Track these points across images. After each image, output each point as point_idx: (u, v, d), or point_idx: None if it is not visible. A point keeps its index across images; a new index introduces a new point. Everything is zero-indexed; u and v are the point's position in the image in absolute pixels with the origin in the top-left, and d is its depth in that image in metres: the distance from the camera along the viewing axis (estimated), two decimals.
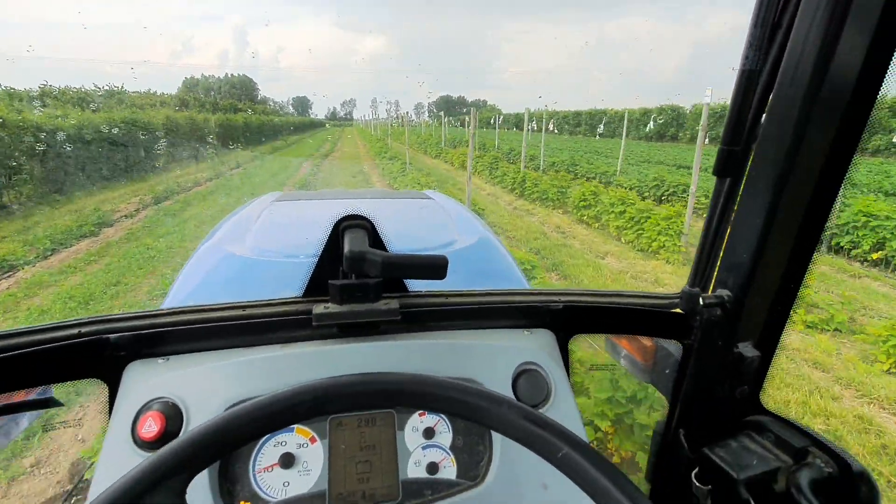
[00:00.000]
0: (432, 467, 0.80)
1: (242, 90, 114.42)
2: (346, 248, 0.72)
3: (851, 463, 0.67)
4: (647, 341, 0.95)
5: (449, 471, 0.80)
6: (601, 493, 0.45)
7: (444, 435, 0.82)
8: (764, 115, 0.66)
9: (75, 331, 0.75)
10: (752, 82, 0.64)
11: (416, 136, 33.64)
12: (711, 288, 0.81)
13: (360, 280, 0.79)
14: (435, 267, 0.71)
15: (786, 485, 0.72)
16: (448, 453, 0.81)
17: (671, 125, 39.64)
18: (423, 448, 0.81)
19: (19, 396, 0.74)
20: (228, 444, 0.48)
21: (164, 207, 10.16)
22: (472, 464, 0.81)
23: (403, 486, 0.78)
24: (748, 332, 0.77)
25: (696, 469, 0.82)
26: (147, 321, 0.79)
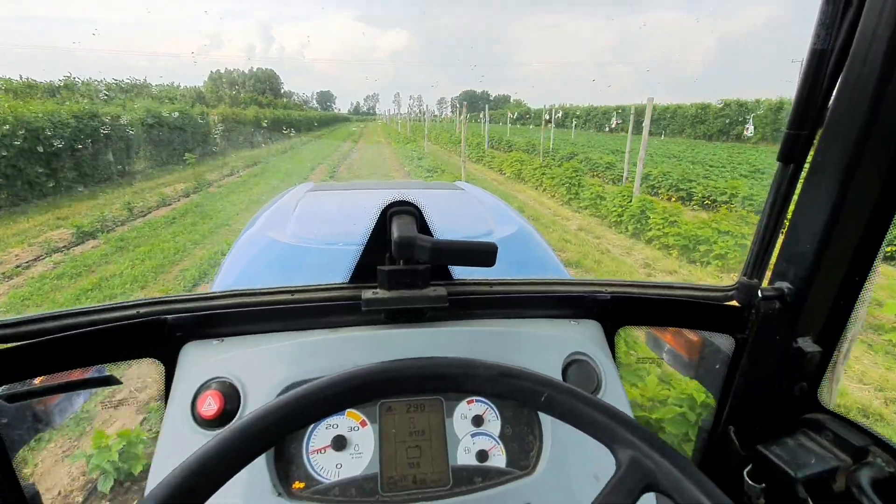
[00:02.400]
0: (482, 455, 0.79)
1: (267, 84, 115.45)
2: (395, 234, 0.72)
3: None
4: (692, 336, 0.92)
5: (498, 459, 0.79)
6: (588, 424, 0.48)
7: (493, 423, 0.81)
8: (832, 98, 0.62)
9: (134, 311, 0.77)
10: (822, 63, 0.60)
11: (447, 135, 32.04)
12: (768, 279, 0.78)
13: (409, 266, 0.79)
14: (485, 253, 0.72)
15: (845, 484, 0.69)
16: (497, 441, 0.80)
17: (736, 122, 36.49)
18: (472, 436, 0.80)
19: (76, 375, 0.75)
20: (295, 423, 0.48)
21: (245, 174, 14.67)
22: (522, 453, 0.80)
23: (453, 472, 0.77)
24: (809, 327, 0.74)
25: (749, 466, 0.80)
26: (202, 303, 0.81)
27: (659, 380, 2.52)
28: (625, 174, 12.58)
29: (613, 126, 43.95)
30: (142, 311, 0.77)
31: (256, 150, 23.65)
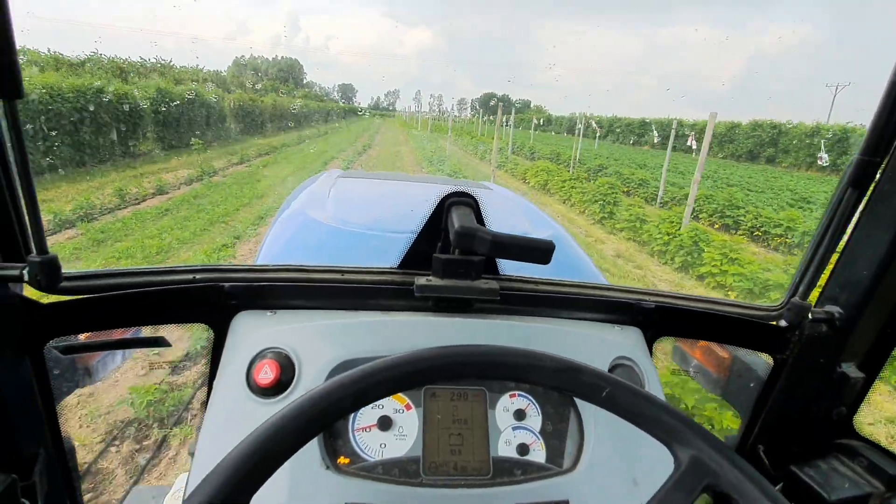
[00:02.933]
0: (522, 448, 0.79)
1: (289, 73, 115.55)
2: (457, 224, 0.72)
3: None
4: (723, 352, 0.92)
5: (538, 454, 0.79)
6: (648, 421, 0.48)
7: (534, 418, 0.81)
8: None
9: (191, 276, 0.78)
10: None
11: (467, 136, 31.11)
12: (815, 301, 0.78)
13: (465, 256, 0.79)
14: (542, 251, 0.72)
15: None
16: (538, 437, 0.81)
17: (768, 145, 35.13)
18: (514, 429, 0.80)
19: (122, 333, 0.78)
20: (356, 403, 0.48)
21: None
22: (562, 450, 0.80)
23: (494, 463, 0.77)
24: (855, 353, 0.74)
25: (780, 486, 0.81)
26: (255, 275, 0.82)
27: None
28: (660, 193, 11.51)
29: (655, 142, 42.28)
30: (199, 276, 0.78)
31: (273, 137, 22.94)
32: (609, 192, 9.91)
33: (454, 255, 0.79)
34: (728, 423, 2.29)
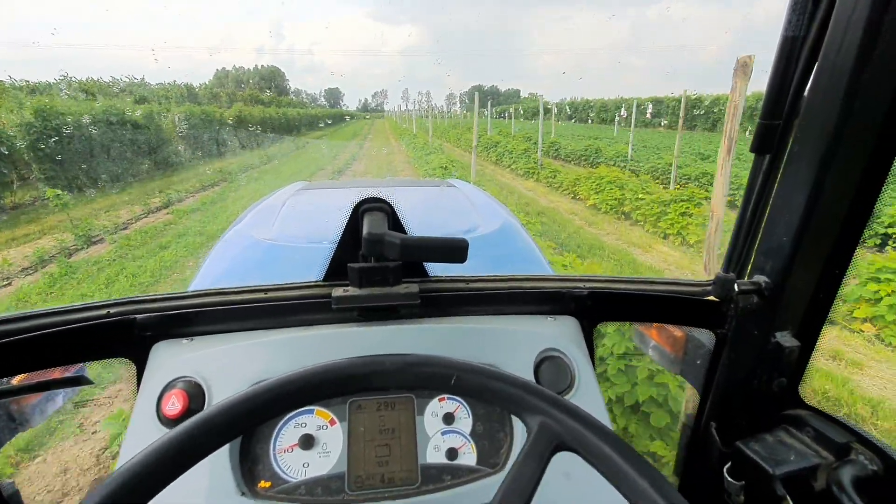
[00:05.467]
0: (452, 453, 0.78)
1: (271, 81, 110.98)
2: (365, 231, 0.72)
3: None
4: (677, 331, 0.91)
5: (468, 457, 0.78)
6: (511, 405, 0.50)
7: (465, 421, 0.80)
8: (808, 87, 0.61)
9: (104, 311, 0.76)
10: (794, 51, 0.59)
11: (470, 134, 26.46)
12: (748, 274, 0.76)
13: (380, 263, 0.78)
14: (455, 249, 0.71)
15: (826, 482, 0.68)
16: (468, 439, 0.79)
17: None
18: (443, 433, 0.79)
19: (51, 375, 0.75)
20: (249, 421, 0.48)
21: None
22: (493, 450, 0.79)
23: (422, 470, 0.76)
24: (787, 321, 0.73)
25: (729, 463, 0.79)
26: (173, 303, 0.80)
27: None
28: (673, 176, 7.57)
29: (649, 118, 39.26)
30: (112, 311, 0.77)
31: (232, 159, 18.54)
32: None
33: (370, 263, 0.78)
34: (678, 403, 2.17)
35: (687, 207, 7.44)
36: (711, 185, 6.77)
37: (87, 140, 11.51)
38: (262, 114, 28.04)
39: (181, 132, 16.83)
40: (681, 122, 10.29)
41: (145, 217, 9.09)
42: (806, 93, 0.61)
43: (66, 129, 10.53)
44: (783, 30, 0.58)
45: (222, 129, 20.57)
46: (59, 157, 10.19)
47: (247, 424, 0.47)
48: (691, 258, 6.68)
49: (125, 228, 8.26)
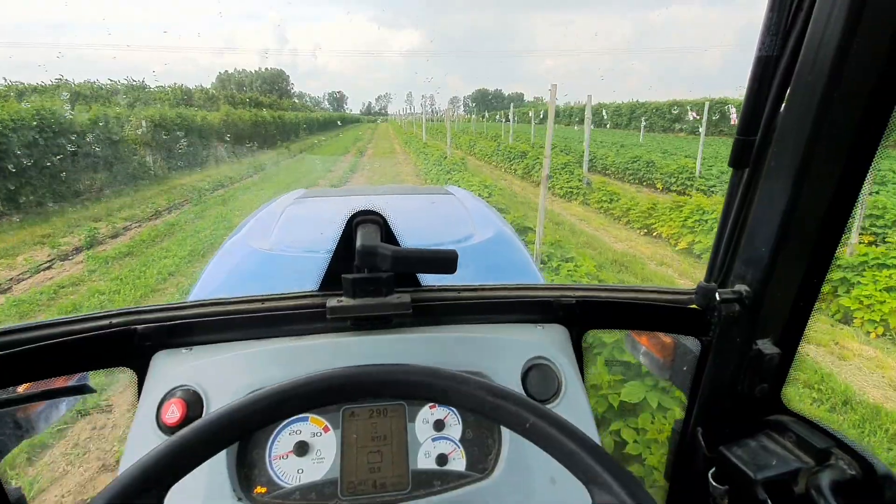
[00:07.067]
0: (442, 459, 0.79)
1: (273, 85, 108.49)
2: (358, 243, 0.73)
3: (876, 465, 0.64)
4: (666, 338, 0.91)
5: (458, 463, 0.80)
6: (568, 456, 0.48)
7: (454, 427, 0.81)
8: (783, 104, 0.62)
9: (106, 321, 0.78)
10: (768, 70, 0.61)
11: (489, 143, 23.51)
12: (729, 283, 0.77)
13: (373, 274, 0.79)
14: (444, 261, 0.71)
15: (805, 486, 0.69)
16: (458, 445, 0.80)
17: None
18: (434, 440, 0.80)
19: (55, 383, 0.77)
20: (245, 428, 0.50)
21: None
22: (482, 456, 0.80)
23: (413, 476, 0.77)
24: (768, 329, 0.74)
25: (714, 469, 0.80)
26: (172, 313, 0.81)
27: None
28: None
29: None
30: (113, 321, 0.78)
31: (213, 170, 15.79)
32: None
33: (364, 274, 0.79)
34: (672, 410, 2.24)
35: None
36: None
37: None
38: (253, 117, 25.23)
39: (146, 141, 14.10)
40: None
41: (46, 269, 6.32)
42: (781, 110, 0.62)
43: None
44: (757, 50, 0.59)
45: (201, 137, 17.82)
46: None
47: (240, 432, 0.49)
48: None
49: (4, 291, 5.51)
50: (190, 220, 8.85)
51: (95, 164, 11.45)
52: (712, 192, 10.22)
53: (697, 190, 10.51)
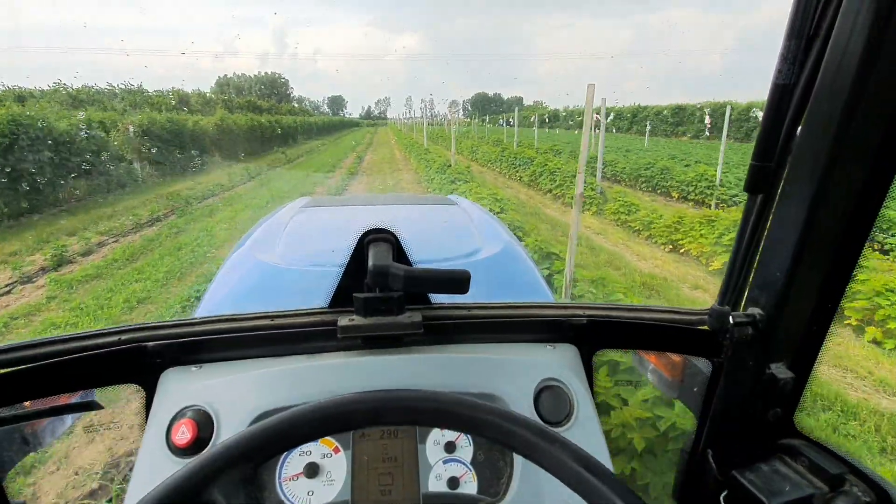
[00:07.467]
0: (453, 482, 0.78)
1: (272, 89, 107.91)
2: (371, 263, 0.73)
3: (891, 492, 0.63)
4: (675, 357, 0.90)
5: (470, 486, 0.78)
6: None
7: (466, 449, 0.81)
8: (799, 130, 0.63)
9: (115, 338, 0.77)
10: (785, 97, 0.60)
11: (493, 148, 22.80)
12: (742, 306, 0.77)
13: (384, 293, 0.78)
14: (457, 281, 0.71)
15: None
16: (469, 468, 0.80)
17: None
18: (445, 462, 0.79)
19: (63, 399, 0.76)
20: (284, 445, 0.50)
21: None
22: (493, 479, 0.79)
23: (424, 500, 0.76)
24: (782, 353, 0.74)
25: (726, 492, 0.78)
26: (182, 329, 0.81)
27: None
28: None
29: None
30: (123, 337, 0.77)
31: (196, 178, 15.08)
32: None
33: (375, 293, 0.78)
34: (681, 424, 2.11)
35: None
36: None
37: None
38: (249, 122, 24.52)
39: (134, 147, 13.41)
40: None
41: (5, 294, 5.59)
42: (797, 137, 0.62)
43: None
44: (774, 78, 0.59)
45: (193, 142, 17.13)
46: None
47: (258, 459, 0.49)
48: None
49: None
50: (171, 234, 8.13)
51: (76, 173, 10.75)
52: (735, 202, 9.53)
53: (718, 200, 9.81)
